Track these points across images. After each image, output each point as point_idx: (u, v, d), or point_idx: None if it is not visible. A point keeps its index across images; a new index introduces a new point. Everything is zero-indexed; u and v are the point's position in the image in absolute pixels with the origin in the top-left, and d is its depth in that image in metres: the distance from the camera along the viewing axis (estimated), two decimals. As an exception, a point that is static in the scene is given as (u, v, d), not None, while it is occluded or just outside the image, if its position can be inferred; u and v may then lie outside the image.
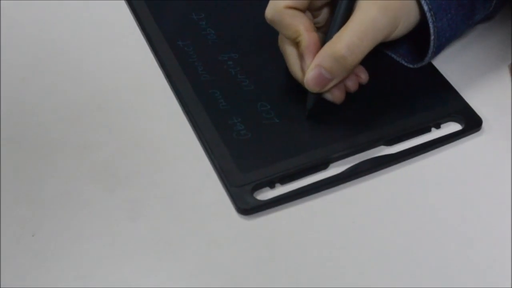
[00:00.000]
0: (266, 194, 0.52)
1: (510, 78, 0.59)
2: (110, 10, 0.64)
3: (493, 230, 0.51)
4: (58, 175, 0.53)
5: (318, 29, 0.56)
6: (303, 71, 0.54)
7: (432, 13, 0.54)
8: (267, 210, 0.51)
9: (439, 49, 0.57)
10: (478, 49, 0.61)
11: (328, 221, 0.51)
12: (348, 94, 0.56)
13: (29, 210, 0.51)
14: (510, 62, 0.59)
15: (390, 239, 0.50)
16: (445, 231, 0.51)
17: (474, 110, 0.56)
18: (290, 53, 0.55)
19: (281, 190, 0.52)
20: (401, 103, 0.57)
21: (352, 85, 0.56)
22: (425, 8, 0.54)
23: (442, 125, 0.56)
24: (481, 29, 0.62)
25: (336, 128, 0.55)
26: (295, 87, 0.56)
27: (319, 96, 0.55)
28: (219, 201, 0.52)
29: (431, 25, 0.54)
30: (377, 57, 0.58)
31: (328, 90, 0.55)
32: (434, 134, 0.55)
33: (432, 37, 0.55)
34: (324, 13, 0.57)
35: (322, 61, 0.53)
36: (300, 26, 0.54)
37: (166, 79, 0.58)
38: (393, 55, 0.59)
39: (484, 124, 0.56)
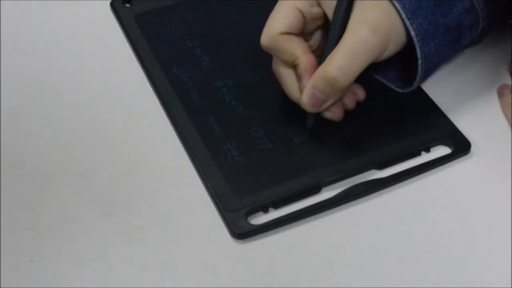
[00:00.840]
0: (260, 219, 0.52)
1: (498, 102, 0.60)
2: (106, 38, 0.64)
3: (484, 251, 0.52)
4: (56, 201, 0.54)
5: (312, 52, 0.57)
6: (301, 92, 0.55)
7: (419, 38, 0.55)
8: (261, 234, 0.52)
9: (427, 74, 0.58)
10: (466, 73, 0.62)
11: (321, 244, 0.52)
12: (340, 121, 0.57)
13: (28, 236, 0.52)
14: (497, 86, 0.60)
15: (382, 261, 0.51)
16: (436, 253, 0.52)
17: (463, 133, 0.57)
18: (286, 75, 0.56)
19: (274, 214, 0.53)
20: (392, 127, 0.58)
21: (349, 102, 0.57)
22: (412, 33, 0.55)
23: (431, 149, 0.56)
24: (469, 53, 0.63)
25: (328, 153, 0.56)
26: (288, 113, 0.57)
27: (318, 115, 0.56)
28: (213, 226, 0.52)
29: (418, 50, 0.55)
30: (368, 82, 0.59)
31: (327, 109, 0.56)
32: (424, 157, 0.56)
33: (419, 62, 0.56)
34: (316, 37, 0.58)
35: (315, 83, 0.54)
36: (297, 50, 0.55)
37: (162, 106, 0.59)
38: (383, 80, 0.60)
39: (472, 148, 0.56)
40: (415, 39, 0.55)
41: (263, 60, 0.58)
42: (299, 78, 0.55)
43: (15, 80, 0.61)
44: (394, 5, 0.54)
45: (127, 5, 0.65)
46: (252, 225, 0.52)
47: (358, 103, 0.58)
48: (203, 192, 0.54)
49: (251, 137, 0.56)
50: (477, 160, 0.56)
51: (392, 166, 0.55)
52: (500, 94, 0.60)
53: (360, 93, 0.57)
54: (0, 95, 0.60)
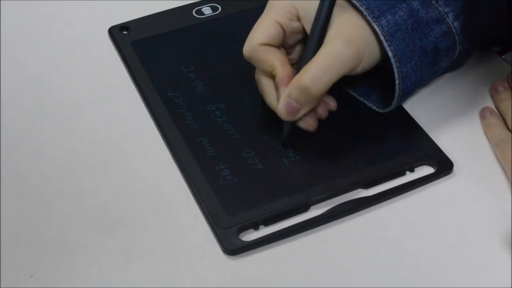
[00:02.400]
0: (251, 235, 0.54)
1: (479, 123, 0.61)
2: (104, 63, 0.66)
3: (466, 267, 0.53)
4: (56, 219, 0.55)
5: (292, 64, 0.59)
6: (278, 101, 0.58)
7: (396, 59, 0.57)
8: (252, 251, 0.53)
9: (405, 93, 0.59)
10: (448, 95, 0.63)
11: (310, 260, 0.53)
12: (327, 141, 0.59)
13: (28, 252, 0.53)
14: (478, 107, 0.62)
15: (369, 276, 0.52)
16: (420, 269, 0.53)
17: (446, 154, 0.58)
18: (265, 84, 0.59)
19: (265, 231, 0.54)
20: (377, 148, 0.59)
21: (322, 112, 0.59)
22: (390, 54, 0.56)
23: (415, 169, 0.58)
24: (451, 75, 0.64)
25: (316, 173, 0.57)
26: (278, 135, 0.59)
27: (293, 124, 0.58)
28: (206, 242, 0.54)
29: (395, 70, 0.57)
30: (356, 105, 0.61)
31: (301, 119, 0.58)
32: (408, 177, 0.57)
33: (397, 82, 0.57)
34: (297, 51, 0.60)
35: (291, 92, 0.56)
36: (275, 61, 0.57)
37: (157, 128, 0.60)
38: (365, 102, 0.62)
39: (455, 167, 0.58)
40: (392, 60, 0.57)
41: (255, 85, 0.60)
42: (276, 87, 0.58)
43: (16, 104, 0.63)
44: (373, 27, 0.56)
45: (125, 32, 0.67)
46: (244, 242, 0.53)
47: (347, 127, 0.60)
48: (196, 210, 0.55)
49: (243, 158, 0.58)
50: (459, 179, 0.58)
51: (378, 185, 0.57)
52: (482, 116, 0.61)
53: (332, 104, 0.59)
54: (1, 117, 0.61)
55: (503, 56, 0.68)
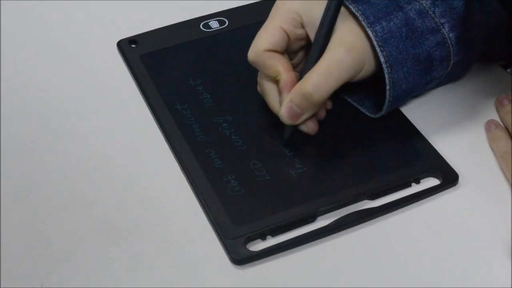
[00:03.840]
0: (258, 246, 0.54)
1: (484, 135, 0.61)
2: (113, 76, 0.66)
3: (471, 279, 0.53)
4: (65, 229, 0.55)
5: (294, 69, 0.60)
6: (281, 105, 0.59)
7: (388, 64, 0.58)
8: (259, 261, 0.54)
9: (397, 100, 0.60)
10: (454, 107, 0.64)
11: (316, 270, 0.54)
12: (333, 152, 0.60)
13: (38, 262, 0.53)
14: (483, 119, 0.62)
15: (374, 286, 0.53)
16: (426, 280, 0.53)
17: (451, 166, 0.59)
18: (269, 89, 0.60)
19: (272, 241, 0.54)
20: (383, 160, 0.59)
21: (321, 113, 0.60)
22: (382, 59, 0.58)
23: (421, 180, 0.58)
24: (456, 87, 0.65)
25: (322, 184, 0.58)
26: (285, 148, 0.60)
27: (294, 128, 0.59)
28: (214, 253, 0.54)
29: (386, 76, 0.58)
30: (360, 117, 0.62)
31: (303, 123, 0.59)
32: (414, 188, 0.58)
33: (388, 87, 0.58)
34: (300, 56, 0.62)
35: (293, 98, 0.57)
36: (279, 67, 0.58)
37: (165, 140, 0.61)
38: (359, 107, 0.62)
39: (460, 179, 0.58)
40: (384, 65, 0.58)
41: (262, 98, 0.61)
42: (279, 92, 0.59)
43: (26, 115, 0.63)
44: (367, 32, 0.57)
45: (133, 45, 0.68)
46: (251, 252, 0.54)
47: (353, 138, 0.61)
48: (204, 221, 0.56)
49: (250, 169, 0.58)
50: (464, 191, 0.58)
51: (384, 197, 0.57)
52: (487, 129, 0.62)
53: (328, 104, 0.61)
54: (11, 128, 0.62)
55: (508, 70, 0.68)
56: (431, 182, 0.59)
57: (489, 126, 0.62)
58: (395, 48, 0.58)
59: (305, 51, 0.61)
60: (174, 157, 0.60)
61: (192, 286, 0.53)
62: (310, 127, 0.59)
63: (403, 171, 0.59)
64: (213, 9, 0.71)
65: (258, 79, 0.61)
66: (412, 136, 0.61)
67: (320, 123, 0.61)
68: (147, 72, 0.66)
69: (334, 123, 0.62)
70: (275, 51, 0.59)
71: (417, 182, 0.58)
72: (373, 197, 0.57)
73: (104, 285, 0.53)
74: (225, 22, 0.70)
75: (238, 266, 0.54)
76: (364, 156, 0.60)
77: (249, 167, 0.59)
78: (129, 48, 0.68)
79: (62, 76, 0.67)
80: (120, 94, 0.65)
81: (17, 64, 0.68)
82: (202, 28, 0.70)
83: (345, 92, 0.63)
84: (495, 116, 0.63)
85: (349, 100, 0.63)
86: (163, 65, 0.66)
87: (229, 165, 0.59)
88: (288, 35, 0.59)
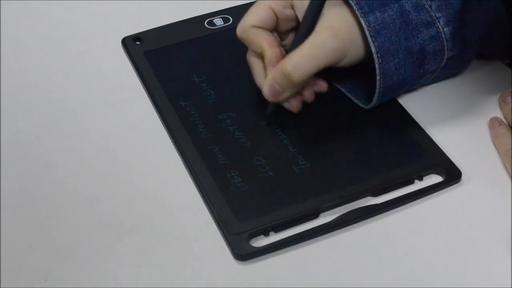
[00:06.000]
0: (261, 242, 0.54)
1: (487, 133, 0.62)
2: (117, 73, 0.67)
3: (474, 276, 0.53)
4: (69, 225, 0.56)
5: (286, 51, 0.61)
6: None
7: (379, 55, 0.58)
8: (262, 256, 0.54)
9: (388, 91, 0.60)
10: (457, 105, 0.64)
11: (319, 267, 0.54)
12: (337, 149, 0.60)
13: (42, 257, 0.54)
14: (487, 117, 0.62)
15: (377, 283, 0.53)
16: (429, 276, 0.53)
17: (454, 163, 0.59)
18: (255, 65, 0.61)
19: (275, 237, 0.55)
20: (386, 156, 0.60)
21: (308, 95, 0.61)
22: (373, 49, 0.58)
23: (424, 177, 0.58)
24: (459, 84, 0.65)
25: (325, 180, 0.58)
26: (288, 144, 0.60)
27: (277, 105, 0.60)
28: (217, 248, 0.54)
29: (377, 66, 0.58)
30: (364, 114, 0.62)
31: (286, 100, 0.60)
32: (417, 185, 0.58)
33: (378, 77, 0.59)
34: (290, 37, 0.63)
35: (274, 75, 0.59)
36: (264, 43, 0.60)
37: (169, 136, 0.61)
38: (352, 98, 0.63)
39: (463, 176, 0.58)
40: (375, 56, 0.58)
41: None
42: (265, 68, 0.60)
43: (31, 112, 0.64)
44: (360, 22, 0.58)
45: (138, 42, 0.68)
46: (254, 248, 0.54)
47: (357, 136, 0.61)
48: (208, 217, 0.56)
49: (254, 166, 0.59)
50: (467, 188, 0.58)
51: (387, 193, 0.57)
52: (491, 126, 0.62)
53: (324, 85, 0.61)
54: (16, 125, 0.62)
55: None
56: (434, 179, 0.59)
57: (493, 123, 0.62)
58: (388, 39, 0.58)
59: (295, 33, 0.62)
60: (178, 153, 0.60)
61: (195, 282, 0.53)
62: (293, 105, 0.60)
63: (406, 168, 0.59)
64: (217, 7, 0.71)
65: (247, 56, 0.62)
66: (415, 133, 0.61)
67: (323, 120, 0.61)
68: (151, 69, 0.66)
69: (337, 120, 0.62)
70: (261, 27, 0.60)
71: (420, 179, 0.59)
72: (376, 194, 0.57)
73: (108, 280, 0.53)
74: (229, 20, 0.70)
75: (241, 262, 0.54)
76: (367, 152, 0.60)
77: (253, 163, 0.59)
78: (134, 45, 0.68)
79: (67, 73, 0.67)
80: (125, 90, 0.66)
81: (22, 61, 0.68)
82: (207, 26, 0.70)
83: (339, 81, 0.63)
84: (499, 114, 0.63)
85: (343, 90, 0.63)
86: (168, 62, 0.67)
87: (233, 161, 0.59)
88: (276, 15, 0.60)
